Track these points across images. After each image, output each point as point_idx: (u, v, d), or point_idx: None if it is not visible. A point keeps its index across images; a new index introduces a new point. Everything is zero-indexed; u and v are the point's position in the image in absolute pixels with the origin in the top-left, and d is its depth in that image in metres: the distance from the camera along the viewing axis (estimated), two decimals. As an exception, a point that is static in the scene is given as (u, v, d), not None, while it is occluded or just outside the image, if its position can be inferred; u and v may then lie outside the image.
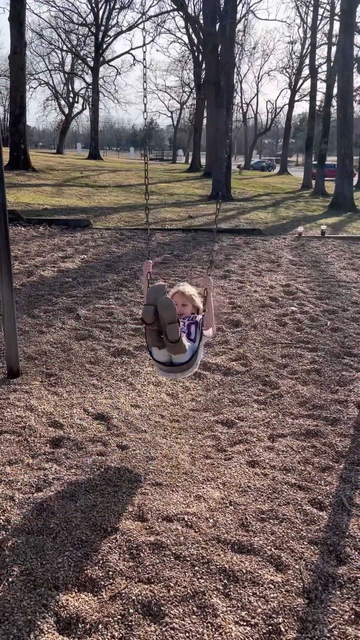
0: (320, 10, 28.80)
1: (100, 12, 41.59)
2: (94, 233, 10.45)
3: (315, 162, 28.15)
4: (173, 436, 3.63)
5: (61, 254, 8.47)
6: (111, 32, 43.95)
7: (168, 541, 2.48)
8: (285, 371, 4.66)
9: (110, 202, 15.43)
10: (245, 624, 2.07)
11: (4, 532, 2.51)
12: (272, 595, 2.20)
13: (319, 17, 29.71)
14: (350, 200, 18.55)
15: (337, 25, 21.90)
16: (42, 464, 3.13)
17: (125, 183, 21.86)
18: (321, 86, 32.39)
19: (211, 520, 2.67)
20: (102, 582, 2.25)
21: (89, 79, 49.06)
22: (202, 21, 28.60)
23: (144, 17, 28.86)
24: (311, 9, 29.88)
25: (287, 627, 2.06)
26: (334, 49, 24.31)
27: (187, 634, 2.01)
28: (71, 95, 58.03)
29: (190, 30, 38.33)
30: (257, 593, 2.21)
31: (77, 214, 12.45)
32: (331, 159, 28.76)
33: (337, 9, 22.09)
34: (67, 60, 54.78)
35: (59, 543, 2.46)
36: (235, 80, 26.21)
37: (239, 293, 6.91)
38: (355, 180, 25.48)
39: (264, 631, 2.04)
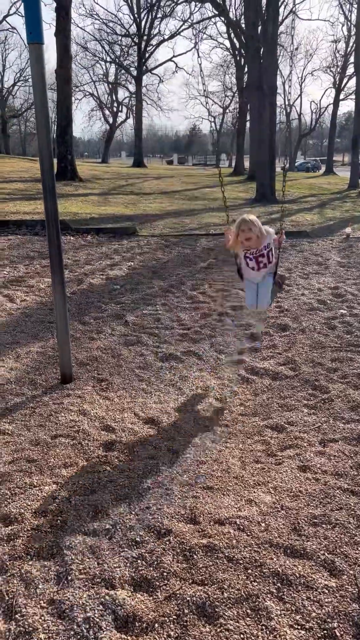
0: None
1: (143, 22, 42.23)
2: (140, 240, 10.62)
3: (362, 161, 27.51)
4: (222, 441, 3.65)
5: (109, 262, 8.66)
6: (153, 41, 44.58)
7: (220, 544, 2.51)
8: (335, 375, 4.60)
9: (155, 209, 15.61)
10: (299, 627, 2.07)
11: (61, 533, 2.61)
12: (326, 600, 2.20)
13: (364, 14, 29.07)
14: None
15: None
16: (96, 466, 3.22)
17: (170, 190, 22.07)
18: (367, 83, 31.57)
19: (263, 524, 2.68)
20: (157, 583, 2.30)
21: (132, 88, 49.93)
22: (243, 25, 28.61)
23: (190, 20, 29.06)
24: (355, 6, 29.34)
25: (342, 632, 2.05)
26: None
27: (241, 636, 2.03)
28: (115, 104, 59.16)
29: (232, 35, 38.39)
30: (311, 597, 2.21)
31: (123, 222, 12.68)
32: (379, 157, 28.04)
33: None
34: (110, 70, 55.91)
35: (115, 544, 2.54)
36: (278, 82, 25.97)
37: (286, 297, 6.86)
38: None
39: (319, 635, 2.04)
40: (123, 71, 51.52)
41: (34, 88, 3.78)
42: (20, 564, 2.40)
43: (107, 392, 4.30)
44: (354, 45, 32.44)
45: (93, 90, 57.80)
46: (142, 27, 42.45)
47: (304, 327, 5.76)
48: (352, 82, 36.12)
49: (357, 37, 29.62)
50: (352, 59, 35.68)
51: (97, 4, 44.11)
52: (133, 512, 2.77)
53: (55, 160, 23.76)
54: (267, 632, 2.05)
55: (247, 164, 37.85)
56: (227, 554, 2.45)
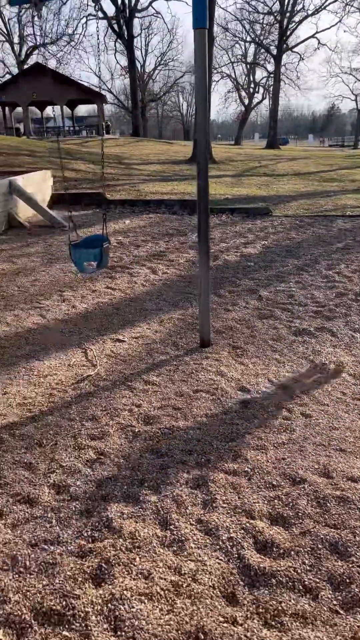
0: None
1: (286, -1, 41.15)
2: (274, 220, 10.69)
3: None
4: (356, 412, 3.75)
5: (243, 240, 8.89)
6: (296, 18, 43.31)
7: (354, 497, 2.68)
8: None
9: (288, 190, 15.49)
10: None
11: (206, 469, 2.94)
12: None
13: None
14: None
15: None
16: (233, 419, 3.52)
17: (304, 171, 21.62)
18: None
19: None
20: (292, 520, 2.54)
21: (270, 67, 49.09)
22: None
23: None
24: None
25: None
26: None
27: (372, 574, 2.21)
28: (252, 85, 58.63)
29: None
30: None
31: (256, 203, 12.80)
32: None
33: None
34: (249, 51, 55.37)
35: (254, 484, 2.82)
36: None
37: None
38: None
39: None
40: (262, 50, 50.82)
41: (195, 71, 4.09)
42: (171, 488, 2.77)
43: (242, 359, 4.57)
44: None
45: (230, 71, 57.80)
46: (285, 3, 41.41)
47: None
48: None
49: None
50: None
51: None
52: (269, 461, 3.03)
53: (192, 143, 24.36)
54: None
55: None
56: (359, 506, 2.62)
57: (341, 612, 2.06)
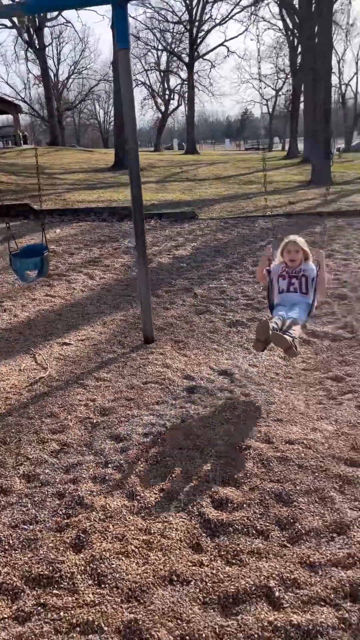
0: None
1: (194, 8, 42.32)
2: (200, 223, 11.20)
3: None
4: (288, 388, 4.21)
5: (173, 243, 9.30)
6: (205, 27, 44.60)
7: (292, 456, 3.10)
8: (390, 336, 5.04)
9: (211, 194, 16.12)
10: (358, 509, 2.63)
11: (162, 447, 3.27)
12: (380, 493, 2.75)
13: None
14: None
15: None
16: (182, 404, 3.87)
17: (224, 175, 22.46)
18: None
19: (326, 444, 3.24)
20: (242, 480, 2.92)
21: (184, 75, 50.22)
22: (297, 5, 28.35)
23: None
24: None
25: (393, 514, 2.60)
26: None
27: (312, 513, 2.62)
28: (167, 92, 59.63)
29: (285, 16, 37.93)
30: (368, 492, 2.76)
31: (182, 207, 13.28)
32: None
33: None
34: (162, 59, 56.25)
35: (205, 455, 3.18)
36: (332, 62, 25.80)
37: (344, 270, 7.28)
38: None
39: (374, 515, 2.60)
40: (174, 58, 51.90)
41: (122, 86, 4.43)
42: (133, 466, 3.07)
43: (184, 351, 4.94)
44: None
45: (145, 79, 58.45)
46: (194, 13, 42.61)
47: (361, 296, 6.19)
48: None
49: None
50: None
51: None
52: (218, 435, 3.40)
53: (113, 151, 24.66)
54: (332, 511, 2.63)
55: (300, 146, 37.51)
56: (297, 463, 3.04)
57: (288, 545, 2.46)
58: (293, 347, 3.45)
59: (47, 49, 45.42)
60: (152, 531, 2.55)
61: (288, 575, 2.26)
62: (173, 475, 2.98)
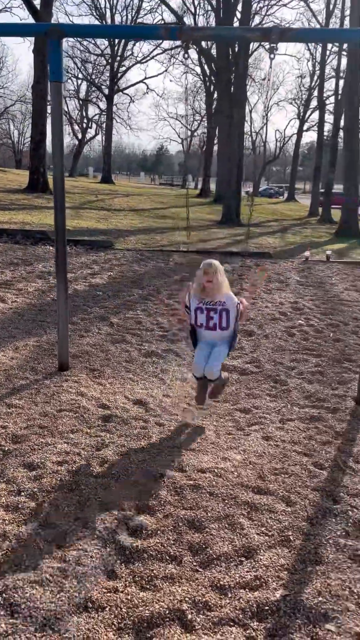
0: (329, 46, 30.14)
1: (117, 44, 43.36)
2: (117, 253, 11.33)
3: (322, 190, 29.22)
4: (199, 419, 4.38)
5: (89, 271, 9.33)
6: (126, 62, 45.77)
7: (204, 484, 3.24)
8: (293, 372, 5.42)
9: (126, 225, 16.36)
10: (264, 534, 2.81)
11: (77, 476, 3.27)
12: (283, 518, 2.95)
13: (328, 53, 31.16)
14: (355, 228, 19.44)
15: (344, 61, 23.01)
16: (98, 432, 3.90)
17: (139, 207, 22.90)
18: (329, 117, 33.66)
19: (235, 473, 3.42)
20: (157, 508, 3.01)
21: (103, 105, 50.92)
22: (214, 54, 30.05)
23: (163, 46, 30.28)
24: (320, 44, 31.24)
25: (295, 538, 2.80)
26: (341, 82, 25.49)
27: (222, 539, 2.76)
28: (85, 121, 60.00)
29: (203, 62, 39.98)
30: (273, 517, 2.96)
31: (98, 236, 13.36)
32: (338, 187, 29.75)
33: (345, 46, 23.23)
34: (82, 87, 56.74)
35: (121, 483, 3.23)
36: (245, 111, 27.50)
37: (251, 308, 7.71)
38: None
39: (279, 539, 2.78)
40: (94, 89, 52.55)
41: (52, 118, 4.52)
42: (47, 494, 3.05)
43: (100, 379, 4.97)
44: (318, 81, 34.56)
45: (63, 105, 58.54)
46: (116, 48, 43.64)
47: (267, 333, 6.59)
48: (316, 115, 38.20)
49: (321, 74, 31.68)
50: (316, 93, 37.79)
51: (73, 22, 44.90)
52: (133, 463, 3.47)
53: (28, 173, 24.27)
54: (241, 536, 2.78)
55: (213, 186, 39.17)
56: (208, 490, 3.18)
57: (200, 569, 2.57)
58: (221, 390, 4.42)
59: None
60: (67, 559, 2.55)
61: (200, 598, 2.36)
62: (88, 503, 3.00)
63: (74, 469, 3.35)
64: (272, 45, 4.12)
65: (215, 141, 37.42)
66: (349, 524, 2.95)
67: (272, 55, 4.25)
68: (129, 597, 2.35)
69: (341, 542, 2.79)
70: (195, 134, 61.48)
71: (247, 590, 2.43)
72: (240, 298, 4.10)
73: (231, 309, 4.00)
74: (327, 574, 2.56)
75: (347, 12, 21.67)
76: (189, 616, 2.26)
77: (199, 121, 58.39)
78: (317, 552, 2.71)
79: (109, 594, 2.36)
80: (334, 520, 2.98)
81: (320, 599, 2.38)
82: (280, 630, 2.22)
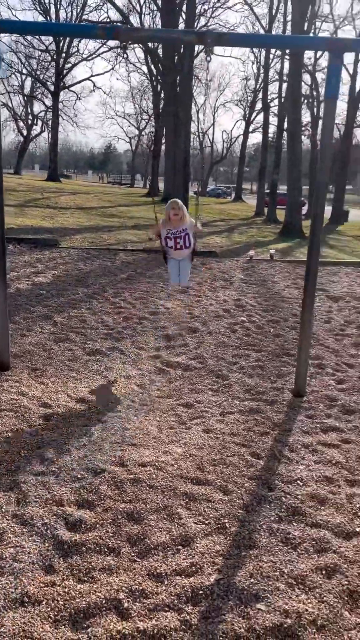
0: (273, 50, 30.80)
1: (61, 40, 42.70)
2: (62, 252, 11.21)
3: (267, 191, 29.87)
4: (143, 415, 4.44)
5: (33, 270, 9.20)
6: (72, 59, 45.15)
7: (144, 477, 3.30)
8: (234, 367, 5.56)
9: (73, 224, 16.19)
10: (201, 523, 2.90)
11: (17, 474, 3.26)
12: (220, 507, 3.05)
13: (271, 56, 31.85)
14: (298, 228, 19.98)
15: (287, 65, 23.59)
16: (38, 431, 3.88)
17: (86, 205, 22.68)
18: (273, 120, 34.43)
19: (175, 465, 3.50)
20: (96, 502, 3.04)
21: (48, 102, 49.98)
22: (161, 54, 30.16)
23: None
24: (264, 48, 31.88)
25: (230, 525, 2.90)
26: (284, 85, 26.13)
27: (160, 529, 2.83)
28: (30, 117, 58.77)
29: (150, 62, 39.99)
30: (210, 506, 3.06)
31: (42, 234, 13.16)
32: (283, 188, 30.51)
33: (287, 50, 23.81)
34: (26, 83, 55.49)
35: (61, 480, 3.24)
36: (192, 111, 27.82)
37: (196, 305, 7.83)
38: (304, 209, 27.17)
39: (215, 527, 2.88)
40: (39, 85, 51.55)
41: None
42: (-15, 494, 3.03)
43: (42, 379, 4.94)
44: (262, 84, 35.26)
45: (7, 101, 57.02)
46: (61, 44, 42.98)
47: (211, 330, 6.72)
48: (261, 117, 38.93)
49: (265, 77, 32.34)
50: (260, 96, 38.55)
51: (16, 16, 43.88)
52: (74, 460, 3.48)
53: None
54: (178, 526, 2.86)
55: (161, 185, 39.28)
56: (149, 483, 3.25)
57: (138, 559, 2.63)
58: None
59: None
60: (4, 556, 2.55)
61: (137, 587, 2.42)
62: (27, 500, 3.00)
63: (12, 467, 3.34)
64: (208, 48, 4.22)
65: (164, 140, 37.52)
66: (282, 510, 3.08)
67: (208, 58, 4.36)
68: (66, 590, 2.38)
69: (274, 526, 2.91)
70: (144, 132, 61.44)
71: (182, 576, 2.51)
72: (191, 218, 5.40)
73: (190, 231, 5.28)
74: (260, 557, 2.67)
75: (289, 18, 22.28)
76: (125, 604, 2.32)
77: (146, 120, 58.39)
78: (251, 537, 2.83)
79: (45, 588, 2.38)
80: (268, 506, 3.11)
81: (252, 580, 2.49)
82: (213, 612, 2.30)
